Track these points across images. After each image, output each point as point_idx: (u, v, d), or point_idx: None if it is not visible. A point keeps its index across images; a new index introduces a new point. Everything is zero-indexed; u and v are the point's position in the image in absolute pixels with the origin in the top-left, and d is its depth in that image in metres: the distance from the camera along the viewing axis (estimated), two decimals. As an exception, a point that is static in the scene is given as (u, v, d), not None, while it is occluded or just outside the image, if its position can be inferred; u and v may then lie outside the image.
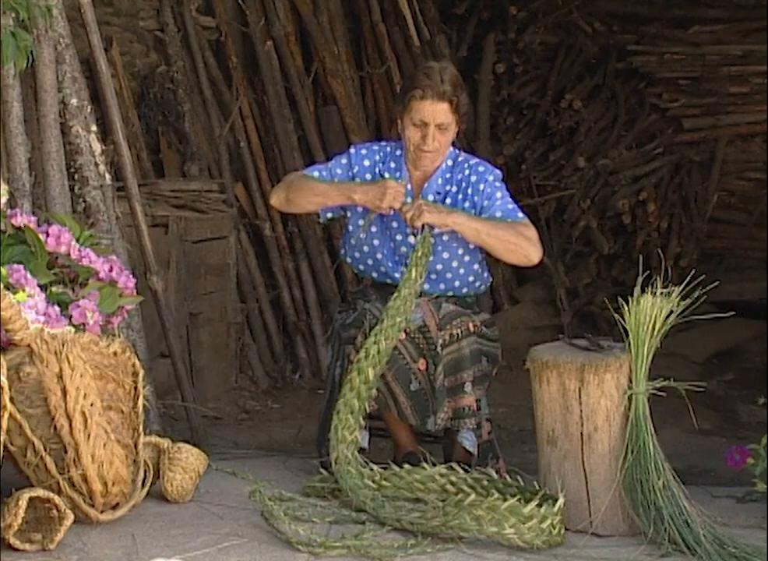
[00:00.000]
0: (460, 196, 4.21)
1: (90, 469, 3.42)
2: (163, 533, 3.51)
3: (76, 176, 4.41)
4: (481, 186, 4.19)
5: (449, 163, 4.25)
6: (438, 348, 4.05)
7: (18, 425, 3.37)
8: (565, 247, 7.99)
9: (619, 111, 8.25)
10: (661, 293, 3.62)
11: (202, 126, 6.46)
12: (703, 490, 4.09)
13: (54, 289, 3.61)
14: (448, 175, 4.24)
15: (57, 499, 3.33)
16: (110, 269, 3.75)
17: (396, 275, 4.21)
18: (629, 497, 3.60)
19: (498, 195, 4.19)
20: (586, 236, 8.01)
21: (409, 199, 4.19)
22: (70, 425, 3.39)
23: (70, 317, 3.55)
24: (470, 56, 8.15)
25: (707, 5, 8.42)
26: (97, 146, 4.44)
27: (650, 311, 3.61)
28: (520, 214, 4.17)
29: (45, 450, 3.39)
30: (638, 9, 8.51)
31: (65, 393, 3.37)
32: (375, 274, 4.30)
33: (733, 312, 4.03)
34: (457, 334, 4.09)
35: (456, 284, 4.25)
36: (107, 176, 4.48)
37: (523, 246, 4.08)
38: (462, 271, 4.24)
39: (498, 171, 4.27)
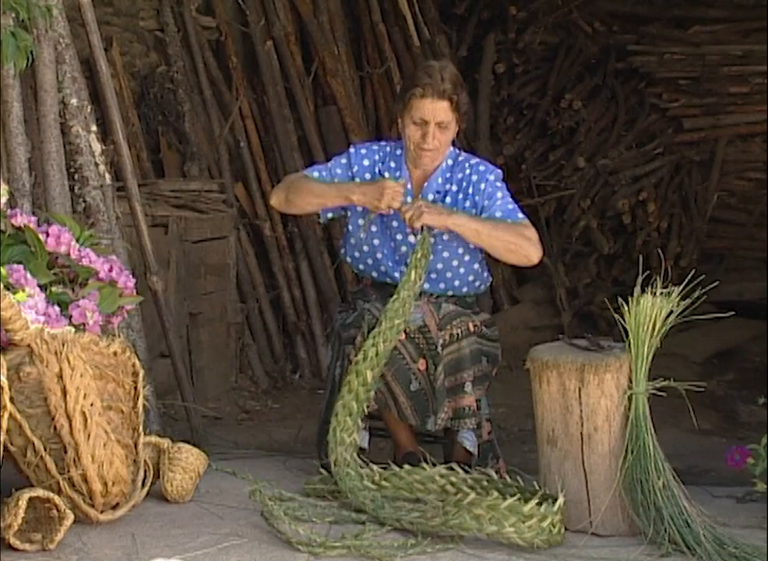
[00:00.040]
0: (461, 195, 4.21)
1: (90, 469, 3.42)
2: (163, 533, 3.51)
3: (76, 176, 4.41)
4: (482, 185, 4.19)
5: (449, 162, 4.25)
6: (439, 348, 4.05)
7: (18, 425, 3.37)
8: (565, 247, 7.99)
9: (619, 111, 8.25)
10: (661, 293, 3.62)
11: (202, 126, 6.46)
12: (703, 490, 4.09)
13: (54, 289, 3.61)
14: (448, 175, 4.24)
15: (57, 499, 3.33)
16: (110, 269, 3.75)
17: (396, 274, 4.21)
18: (629, 497, 3.60)
19: (499, 194, 4.19)
20: (586, 236, 8.00)
21: (409, 199, 4.19)
22: (70, 425, 3.39)
23: (70, 317, 3.55)
24: (470, 56, 8.15)
25: (707, 5, 8.42)
26: (97, 146, 4.44)
27: (650, 311, 3.61)
28: (520, 215, 4.17)
29: (45, 450, 3.39)
30: (638, 9, 8.51)
31: (65, 393, 3.37)
32: (374, 274, 4.30)
33: (733, 312, 4.03)
34: (457, 334, 4.09)
35: (456, 283, 4.25)
36: (107, 176, 4.48)
37: (523, 246, 4.07)
38: (462, 270, 4.24)
39: (498, 171, 4.27)
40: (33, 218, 3.77)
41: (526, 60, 8.31)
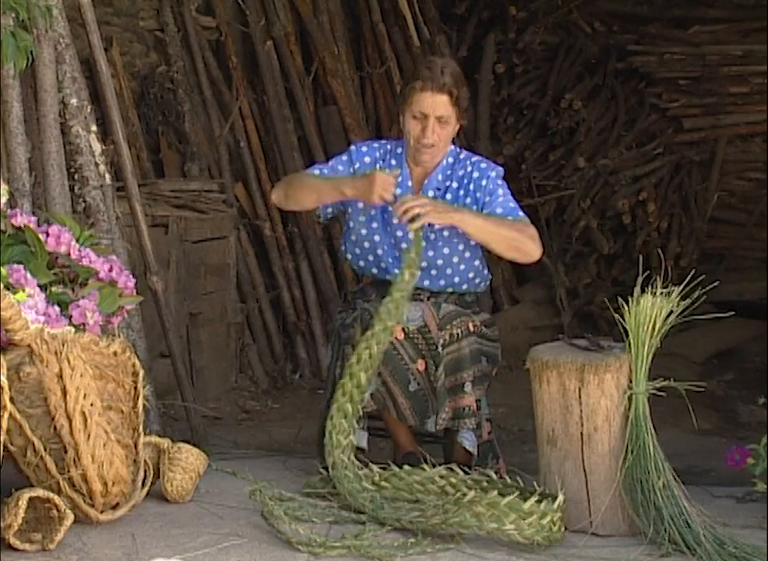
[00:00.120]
0: (461, 192, 4.21)
1: (90, 469, 3.42)
2: (163, 533, 3.51)
3: (76, 176, 4.41)
4: (483, 182, 4.20)
5: (450, 160, 4.26)
6: (439, 348, 4.05)
7: (18, 425, 3.37)
8: (565, 247, 7.98)
9: (619, 111, 8.25)
10: (661, 293, 3.62)
11: (202, 126, 6.46)
12: (703, 490, 4.09)
13: (54, 289, 3.61)
14: (449, 172, 4.25)
15: (57, 499, 3.33)
16: (110, 269, 3.75)
17: (396, 271, 4.21)
18: (629, 497, 3.60)
19: (500, 192, 4.19)
20: (586, 236, 8.00)
21: (410, 195, 4.19)
22: (70, 425, 3.39)
23: (70, 317, 3.55)
24: (470, 56, 8.15)
25: (707, 5, 8.42)
26: (97, 146, 4.44)
27: (650, 311, 3.61)
28: (521, 213, 4.18)
29: (45, 450, 3.39)
30: (638, 9, 8.51)
31: (65, 393, 3.37)
32: (375, 270, 4.29)
33: (733, 312, 4.03)
34: (457, 334, 4.09)
35: (456, 280, 4.25)
36: (107, 176, 4.48)
37: (525, 243, 4.08)
38: (462, 267, 4.24)
39: (500, 168, 4.27)
40: (33, 218, 3.77)
41: (526, 60, 8.30)
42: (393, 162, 4.27)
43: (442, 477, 3.88)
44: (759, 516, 3.81)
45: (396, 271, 4.20)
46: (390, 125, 7.25)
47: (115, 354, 3.55)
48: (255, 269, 6.56)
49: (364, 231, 4.27)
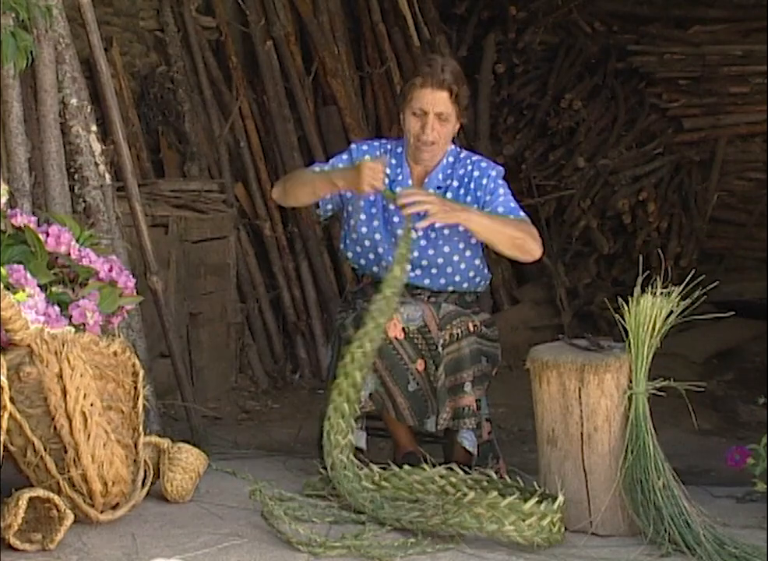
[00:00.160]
0: (462, 191, 4.22)
1: (90, 469, 3.42)
2: (163, 533, 3.51)
3: (76, 176, 4.41)
4: (484, 181, 4.20)
5: (450, 159, 4.26)
6: (440, 348, 4.05)
7: (18, 425, 3.37)
8: (565, 247, 7.99)
9: (619, 111, 8.25)
10: (661, 293, 3.61)
11: (202, 126, 6.46)
12: (703, 490, 4.09)
13: (54, 289, 3.61)
14: (449, 171, 4.25)
15: (57, 499, 3.33)
16: (110, 269, 3.75)
17: (395, 269, 4.24)
18: (629, 497, 3.60)
19: (501, 191, 4.20)
20: (586, 236, 8.00)
21: (416, 188, 4.21)
22: (70, 425, 3.38)
23: (70, 317, 3.55)
24: (470, 56, 8.15)
25: (707, 5, 8.42)
26: (97, 146, 4.44)
27: (650, 311, 3.61)
28: (522, 213, 4.19)
29: (45, 450, 3.39)
30: (638, 9, 8.51)
31: (65, 393, 3.37)
32: (375, 268, 4.29)
33: (733, 312, 4.03)
34: (457, 334, 4.09)
35: (457, 278, 4.25)
36: (107, 176, 4.48)
37: (528, 242, 4.09)
38: (463, 266, 4.24)
39: (500, 168, 4.28)
40: (33, 218, 3.77)
41: (526, 60, 8.31)
42: (393, 161, 4.28)
43: (442, 476, 3.88)
44: (759, 516, 3.81)
45: (395, 269, 4.22)
46: (390, 125, 7.25)
47: (115, 354, 3.55)
48: (255, 269, 6.56)
49: (364, 230, 4.27)
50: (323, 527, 3.59)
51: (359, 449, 4.05)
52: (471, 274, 4.28)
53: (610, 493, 3.62)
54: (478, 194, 4.19)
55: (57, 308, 3.52)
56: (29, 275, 3.50)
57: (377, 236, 4.26)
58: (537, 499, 3.51)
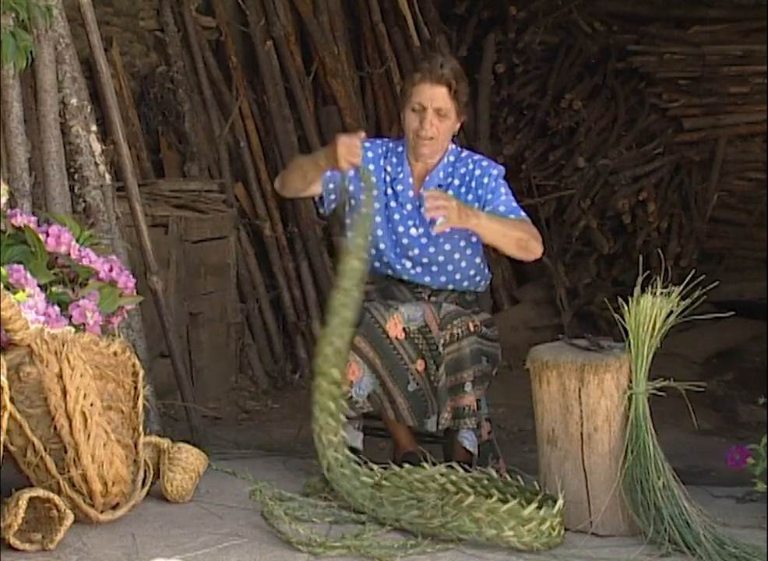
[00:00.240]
0: (463, 189, 4.22)
1: (90, 469, 3.42)
2: (163, 533, 3.51)
3: (76, 176, 4.41)
4: (485, 179, 4.21)
5: (451, 158, 4.27)
6: (440, 348, 4.05)
7: (18, 425, 3.37)
8: (565, 247, 7.99)
9: (619, 111, 8.25)
10: (661, 293, 3.61)
11: (202, 126, 6.46)
12: (703, 490, 4.09)
13: (54, 289, 3.61)
14: (450, 169, 4.26)
15: (57, 499, 3.33)
16: (110, 269, 3.75)
17: (398, 266, 4.23)
18: (629, 497, 3.60)
19: (503, 190, 4.21)
20: (586, 236, 8.01)
21: (410, 194, 4.22)
22: (70, 425, 3.38)
23: (70, 317, 3.55)
24: (470, 56, 8.15)
25: (707, 5, 8.42)
26: (97, 146, 4.44)
27: (650, 311, 3.61)
28: (522, 213, 4.19)
29: (45, 450, 3.39)
30: (638, 9, 8.51)
31: (65, 393, 3.37)
32: (377, 264, 4.28)
33: (733, 312, 4.03)
34: (458, 334, 4.09)
35: (458, 277, 4.25)
36: (107, 176, 4.48)
37: (531, 242, 4.10)
38: (463, 264, 4.25)
39: (501, 167, 4.29)
40: (33, 218, 3.77)
41: (526, 60, 8.31)
42: (394, 160, 4.28)
43: (442, 475, 3.87)
44: (759, 516, 3.81)
45: (398, 267, 4.22)
46: (390, 125, 7.25)
47: (115, 354, 3.55)
48: (255, 269, 6.56)
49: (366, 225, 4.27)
50: (323, 527, 3.59)
51: (355, 450, 4.03)
52: (472, 273, 4.28)
53: (610, 493, 3.62)
54: (479, 192, 4.20)
55: (57, 308, 3.52)
56: (29, 275, 3.50)
57: (379, 232, 4.26)
58: (536, 504, 3.50)
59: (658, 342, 3.65)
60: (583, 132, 8.15)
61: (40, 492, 3.33)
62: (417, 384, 4.08)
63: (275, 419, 5.80)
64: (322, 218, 6.40)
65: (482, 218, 4.04)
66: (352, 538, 3.45)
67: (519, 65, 8.28)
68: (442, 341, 4.06)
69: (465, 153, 4.31)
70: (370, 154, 4.29)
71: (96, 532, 3.46)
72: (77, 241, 3.77)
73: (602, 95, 8.28)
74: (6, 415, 3.29)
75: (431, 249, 4.21)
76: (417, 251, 4.22)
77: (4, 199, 3.72)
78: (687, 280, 3.60)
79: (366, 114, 7.36)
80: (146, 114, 6.23)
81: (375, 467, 3.91)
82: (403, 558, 3.39)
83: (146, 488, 3.67)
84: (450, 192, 4.21)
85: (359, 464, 3.87)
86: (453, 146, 4.30)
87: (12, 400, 3.33)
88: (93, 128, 4.44)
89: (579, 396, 3.65)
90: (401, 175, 4.26)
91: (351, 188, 4.23)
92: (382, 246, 4.26)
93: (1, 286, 3.38)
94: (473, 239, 4.20)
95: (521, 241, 4.08)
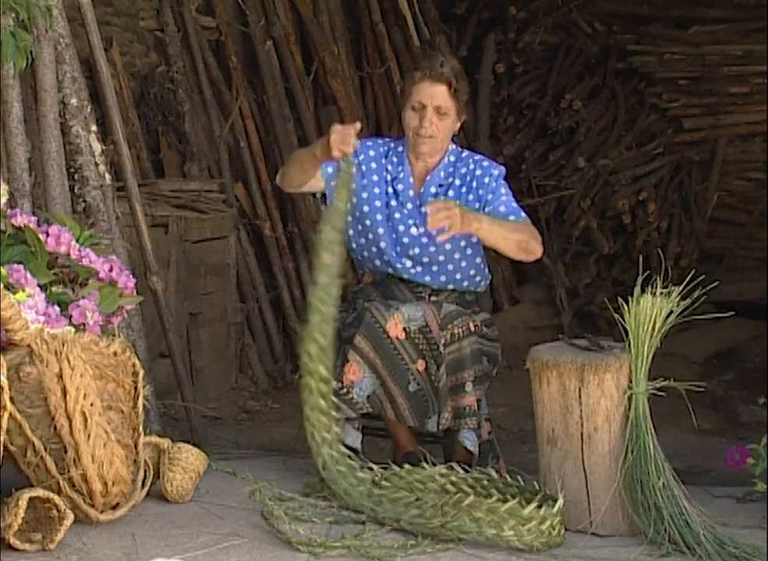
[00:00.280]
0: (464, 189, 4.22)
1: (90, 469, 3.42)
2: (163, 533, 3.51)
3: (76, 176, 4.41)
4: (486, 179, 4.21)
5: (452, 158, 4.27)
6: (441, 348, 4.05)
7: (18, 425, 3.37)
8: (565, 247, 7.99)
9: (619, 111, 8.25)
10: (661, 293, 3.61)
11: (202, 126, 6.46)
12: (703, 490, 4.09)
13: (54, 289, 3.61)
14: (451, 169, 4.26)
15: (57, 499, 3.33)
16: (111, 269, 3.75)
17: (398, 265, 4.23)
18: (629, 497, 3.59)
19: (503, 190, 4.22)
20: (586, 236, 8.01)
21: (411, 193, 4.23)
22: (70, 425, 3.38)
23: (70, 317, 3.55)
24: (470, 56, 8.15)
25: (707, 5, 8.42)
26: (97, 146, 4.44)
27: (650, 311, 3.61)
28: (523, 213, 4.20)
29: (45, 450, 3.39)
30: (638, 9, 8.52)
31: (65, 393, 3.37)
32: (378, 262, 4.28)
33: (733, 312, 4.03)
34: (458, 334, 4.09)
35: (458, 276, 4.26)
36: (107, 176, 4.48)
37: (531, 243, 4.11)
38: (464, 264, 4.25)
39: (502, 168, 4.29)
40: (33, 218, 3.77)
41: (526, 60, 8.31)
42: (395, 159, 4.28)
43: (442, 475, 3.87)
44: (759, 516, 3.81)
45: (399, 265, 4.22)
46: (390, 125, 7.25)
47: (115, 354, 3.55)
48: (255, 269, 6.56)
49: (368, 222, 4.27)
50: (323, 527, 3.59)
51: (354, 450, 4.02)
52: (472, 273, 4.28)
53: (610, 493, 3.62)
54: (480, 192, 4.20)
55: (57, 308, 3.52)
56: (29, 275, 3.50)
57: (380, 230, 4.26)
58: (536, 503, 3.50)
59: (658, 342, 3.65)
60: (583, 132, 8.15)
61: (40, 492, 3.33)
62: (418, 384, 4.08)
63: (275, 419, 5.80)
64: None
65: (483, 222, 4.03)
66: (352, 538, 3.45)
67: (519, 65, 8.28)
68: (442, 341, 4.06)
69: (466, 153, 4.32)
70: (372, 152, 4.29)
71: (96, 532, 3.46)
72: (77, 241, 3.77)
73: (602, 95, 8.28)
74: (6, 415, 3.29)
75: (432, 249, 4.21)
76: (417, 250, 4.22)
77: (4, 199, 3.72)
78: (687, 280, 3.60)
79: (366, 114, 7.36)
80: (146, 114, 6.23)
81: (375, 467, 3.91)
82: (403, 558, 3.38)
83: (146, 488, 3.67)
84: (451, 192, 4.21)
85: (354, 461, 3.85)
86: (454, 146, 4.30)
87: (12, 400, 3.33)
88: (93, 128, 4.44)
89: (579, 396, 3.65)
90: (402, 175, 4.26)
91: (353, 185, 4.21)
92: (383, 244, 4.27)
93: (1, 286, 3.38)
94: (474, 239, 4.20)
95: (521, 242, 4.09)
